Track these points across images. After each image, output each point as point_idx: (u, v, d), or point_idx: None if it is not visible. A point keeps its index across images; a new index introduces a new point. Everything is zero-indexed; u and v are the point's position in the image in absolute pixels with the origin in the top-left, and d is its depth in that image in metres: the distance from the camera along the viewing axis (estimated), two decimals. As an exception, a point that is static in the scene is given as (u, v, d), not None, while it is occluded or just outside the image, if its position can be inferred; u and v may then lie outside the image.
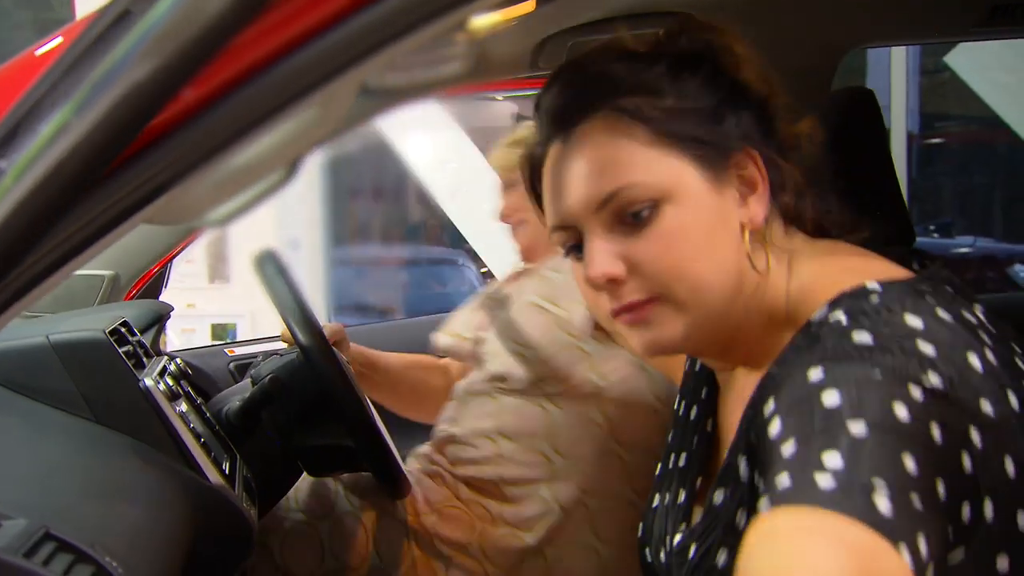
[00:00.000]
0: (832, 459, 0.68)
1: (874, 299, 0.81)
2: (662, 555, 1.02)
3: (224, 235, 4.27)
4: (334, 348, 1.57)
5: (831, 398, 0.72)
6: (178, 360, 1.54)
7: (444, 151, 5.23)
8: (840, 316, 0.81)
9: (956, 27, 1.88)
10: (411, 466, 1.73)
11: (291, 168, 1.18)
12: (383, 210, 7.18)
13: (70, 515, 0.95)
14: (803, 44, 1.95)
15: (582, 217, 0.92)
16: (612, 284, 0.91)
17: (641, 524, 1.09)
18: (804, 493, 0.67)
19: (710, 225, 0.89)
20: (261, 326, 4.23)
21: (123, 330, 1.38)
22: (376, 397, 1.89)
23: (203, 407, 1.50)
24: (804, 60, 1.96)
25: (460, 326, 1.84)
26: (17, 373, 1.26)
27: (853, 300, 0.82)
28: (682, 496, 1.02)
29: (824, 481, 0.67)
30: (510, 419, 1.62)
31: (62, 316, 1.54)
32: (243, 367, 2.06)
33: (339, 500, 1.68)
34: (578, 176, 0.92)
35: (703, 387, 1.06)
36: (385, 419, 1.85)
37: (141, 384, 1.28)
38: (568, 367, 1.59)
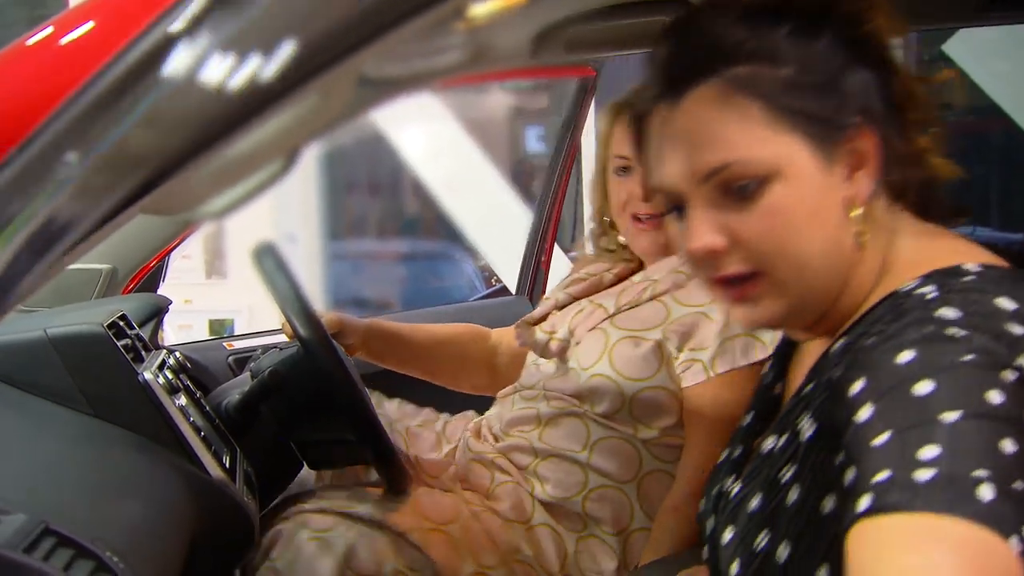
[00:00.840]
0: (931, 452, 0.68)
1: (968, 279, 0.81)
2: (710, 503, 1.03)
3: (221, 231, 4.26)
4: (334, 340, 1.56)
5: (924, 387, 0.71)
6: (177, 354, 1.53)
7: (440, 144, 5.22)
8: (930, 290, 0.81)
9: (956, 14, 1.87)
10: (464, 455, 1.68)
11: (289, 159, 1.17)
12: (379, 204, 7.17)
13: (70, 510, 0.95)
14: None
15: (685, 187, 0.91)
16: (712, 255, 0.90)
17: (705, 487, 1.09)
18: (908, 494, 0.67)
19: (815, 204, 0.87)
20: (259, 322, 4.22)
21: (121, 323, 1.37)
22: (409, 371, 1.85)
23: (202, 401, 1.50)
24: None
25: (553, 323, 1.70)
26: (15, 368, 1.25)
27: (945, 276, 0.82)
28: (738, 451, 1.04)
29: (926, 478, 0.67)
30: (606, 456, 1.55)
31: (59, 310, 1.53)
32: (242, 361, 2.05)
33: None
34: (684, 145, 0.90)
35: (782, 351, 1.07)
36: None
37: (140, 377, 1.28)
38: (658, 415, 1.53)
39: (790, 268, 0.88)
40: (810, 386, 0.90)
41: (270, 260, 1.54)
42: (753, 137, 0.87)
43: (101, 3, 0.75)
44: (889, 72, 0.91)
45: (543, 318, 1.72)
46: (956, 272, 0.83)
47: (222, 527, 1.29)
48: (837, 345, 0.89)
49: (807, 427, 0.86)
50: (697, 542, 1.10)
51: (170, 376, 1.37)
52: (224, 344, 2.14)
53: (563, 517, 1.56)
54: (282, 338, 2.06)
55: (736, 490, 0.96)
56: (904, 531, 0.66)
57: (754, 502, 0.91)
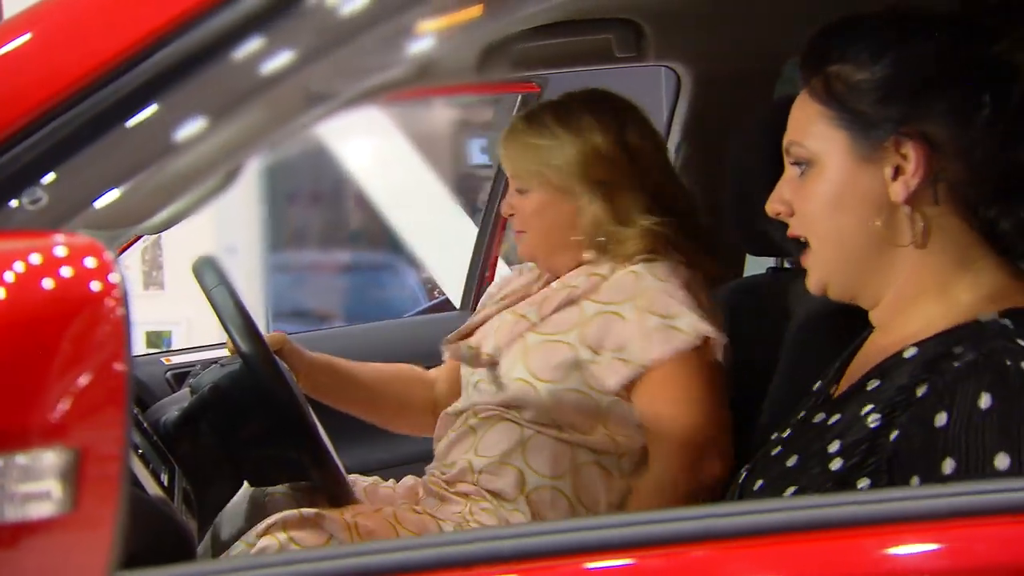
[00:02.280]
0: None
1: None
2: (750, 465, 1.15)
3: (158, 241, 4.20)
4: (276, 356, 1.55)
5: (1004, 452, 0.86)
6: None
7: (384, 156, 5.20)
8: (1008, 323, 0.93)
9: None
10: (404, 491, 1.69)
11: (231, 174, 1.16)
12: (322, 215, 7.12)
13: None
14: (743, 52, 1.96)
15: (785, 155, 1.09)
16: (776, 216, 1.10)
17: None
18: None
19: (844, 191, 1.03)
20: (198, 334, 4.16)
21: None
22: (351, 410, 1.83)
23: (140, 417, 1.47)
24: (746, 67, 1.98)
25: (480, 337, 1.71)
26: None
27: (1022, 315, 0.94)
28: (787, 432, 1.13)
29: None
30: (538, 457, 1.55)
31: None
32: (181, 376, 2.02)
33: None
34: (789, 121, 1.09)
35: (837, 362, 1.18)
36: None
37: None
38: (583, 418, 1.55)
39: (820, 242, 1.06)
40: (875, 382, 1.01)
41: (211, 274, 1.52)
42: (809, 124, 1.05)
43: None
44: (976, 104, 0.99)
45: (471, 332, 1.73)
46: None
47: (159, 547, 1.26)
48: (910, 353, 1.00)
49: (872, 419, 0.97)
50: None
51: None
52: (162, 359, 2.11)
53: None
54: (220, 352, 2.03)
55: (777, 451, 1.09)
56: None
57: (791, 461, 1.04)
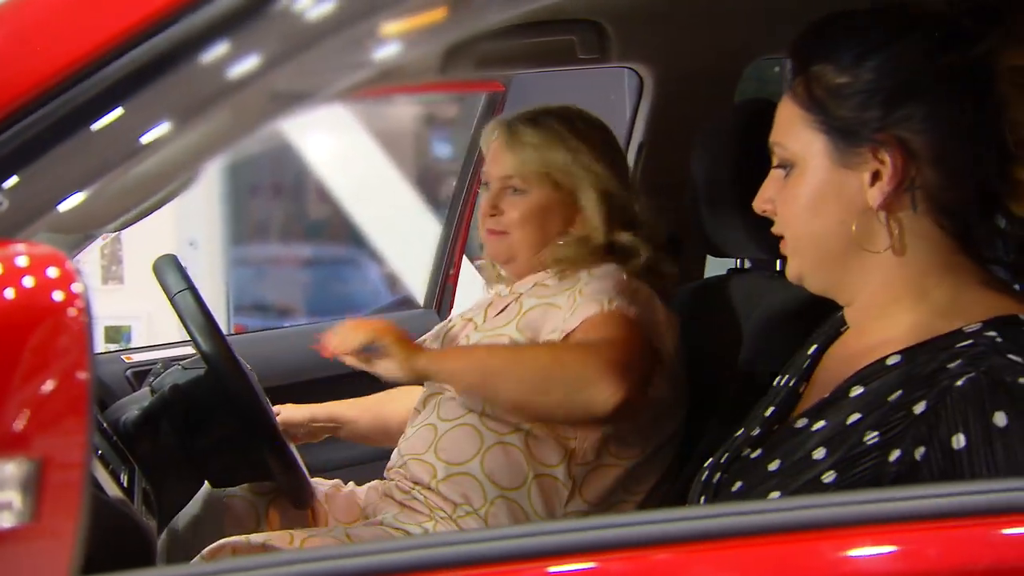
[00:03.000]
0: None
1: None
2: (716, 468, 1.13)
3: (118, 235, 4.15)
4: (237, 354, 1.54)
5: (1021, 451, 0.88)
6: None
7: (347, 151, 5.17)
8: (994, 335, 0.94)
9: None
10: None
11: (194, 172, 1.15)
12: (283, 208, 7.07)
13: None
14: (705, 55, 1.98)
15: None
16: (763, 213, 1.12)
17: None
18: None
19: (822, 195, 1.04)
20: (158, 328, 4.12)
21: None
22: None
23: (100, 417, 1.46)
24: (707, 69, 1.99)
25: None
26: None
27: (1007, 326, 0.95)
28: (756, 431, 1.13)
29: None
30: (498, 468, 1.57)
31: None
32: (141, 375, 2.00)
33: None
34: (775, 121, 1.10)
35: (806, 363, 1.17)
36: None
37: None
38: None
39: (792, 239, 1.08)
40: (859, 389, 1.01)
41: (173, 275, 1.52)
42: (792, 125, 1.06)
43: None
44: (955, 115, 0.99)
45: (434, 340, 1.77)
46: (1016, 321, 0.96)
47: (119, 549, 1.25)
48: (893, 360, 1.00)
49: (869, 436, 0.96)
50: None
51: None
52: (123, 356, 2.09)
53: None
54: (182, 350, 2.01)
55: (757, 454, 1.08)
56: None
57: (772, 465, 1.04)
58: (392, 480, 1.66)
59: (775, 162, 1.09)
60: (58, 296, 0.60)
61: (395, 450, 1.69)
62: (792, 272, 1.11)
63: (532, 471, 1.55)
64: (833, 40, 1.04)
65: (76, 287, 0.60)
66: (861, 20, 1.04)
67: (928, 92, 1.00)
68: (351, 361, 1.45)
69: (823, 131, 1.03)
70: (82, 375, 0.60)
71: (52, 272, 0.61)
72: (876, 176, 1.01)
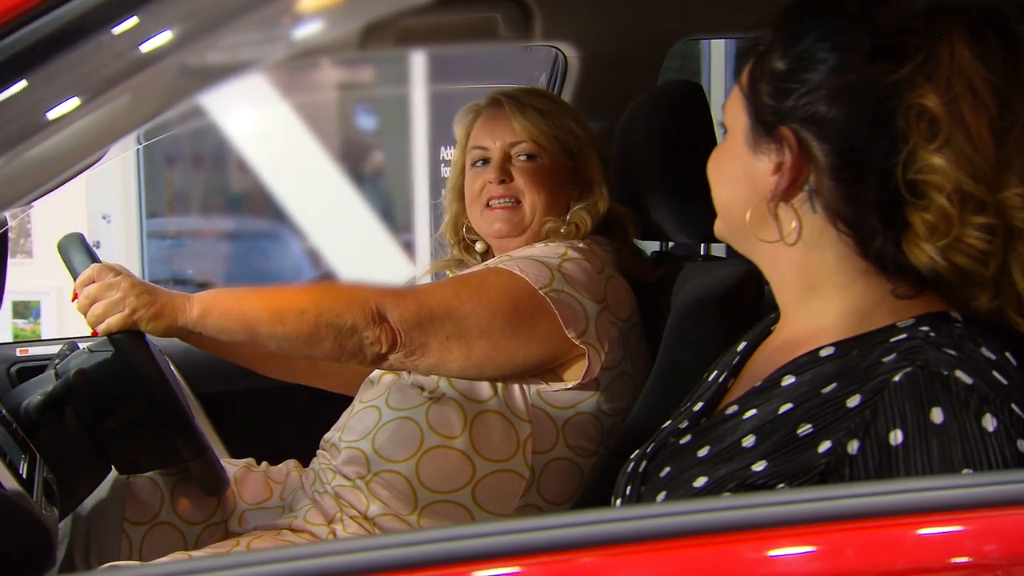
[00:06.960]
0: None
1: (958, 327, 0.96)
2: (644, 457, 1.13)
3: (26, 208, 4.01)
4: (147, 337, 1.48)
5: (955, 450, 0.88)
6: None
7: (265, 121, 5.07)
8: (927, 330, 0.95)
9: None
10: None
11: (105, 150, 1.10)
12: (203, 179, 6.92)
13: None
14: (630, 35, 1.96)
15: None
16: None
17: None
18: None
19: (736, 169, 1.06)
20: (68, 304, 4.00)
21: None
22: (268, 372, 1.74)
23: (-3, 404, 1.40)
24: (631, 51, 1.98)
25: None
26: None
27: (937, 320, 0.96)
28: (684, 423, 1.14)
29: None
30: (434, 469, 1.53)
31: None
32: (29, 371, 1.87)
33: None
34: None
35: (736, 359, 1.18)
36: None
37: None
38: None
39: (715, 199, 1.11)
40: (790, 379, 1.01)
41: (78, 253, 1.47)
42: (732, 99, 1.08)
43: None
44: (887, 135, 0.96)
45: None
46: (947, 318, 0.97)
47: (17, 543, 1.20)
48: (827, 352, 1.00)
49: (803, 428, 0.96)
50: None
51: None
52: (17, 350, 1.96)
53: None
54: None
55: (685, 440, 1.08)
56: None
57: (702, 451, 1.03)
58: (319, 463, 1.61)
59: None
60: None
61: (335, 425, 1.63)
62: (716, 230, 1.14)
63: (473, 475, 1.51)
64: (784, 22, 1.03)
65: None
66: (826, 6, 1.02)
67: (845, 104, 0.97)
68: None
69: (746, 111, 1.04)
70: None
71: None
72: (778, 168, 1.01)
